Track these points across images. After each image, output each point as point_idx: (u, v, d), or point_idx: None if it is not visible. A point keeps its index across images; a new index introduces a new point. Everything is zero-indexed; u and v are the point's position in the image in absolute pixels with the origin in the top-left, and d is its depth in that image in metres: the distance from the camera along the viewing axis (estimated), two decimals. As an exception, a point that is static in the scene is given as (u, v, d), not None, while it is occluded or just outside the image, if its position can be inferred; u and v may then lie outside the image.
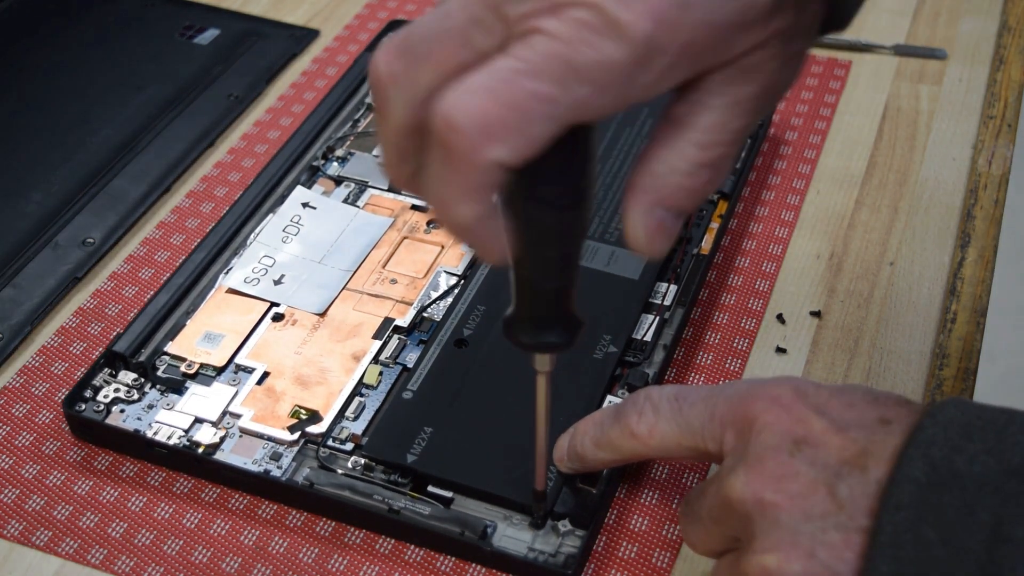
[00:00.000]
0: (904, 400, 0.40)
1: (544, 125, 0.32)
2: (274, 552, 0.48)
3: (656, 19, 0.32)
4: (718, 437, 0.42)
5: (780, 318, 0.58)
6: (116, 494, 0.50)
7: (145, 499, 0.50)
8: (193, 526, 0.49)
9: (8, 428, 0.53)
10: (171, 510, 0.50)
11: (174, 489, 0.51)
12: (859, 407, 0.39)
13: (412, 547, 0.48)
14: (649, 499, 0.50)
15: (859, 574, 0.36)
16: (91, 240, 0.62)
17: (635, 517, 0.49)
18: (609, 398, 0.52)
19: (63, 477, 0.51)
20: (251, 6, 0.81)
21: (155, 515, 0.50)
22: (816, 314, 0.58)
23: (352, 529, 0.49)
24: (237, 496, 0.50)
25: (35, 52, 0.75)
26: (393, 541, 0.48)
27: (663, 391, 0.44)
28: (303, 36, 0.78)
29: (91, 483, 0.51)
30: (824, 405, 0.40)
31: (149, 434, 0.51)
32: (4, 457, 0.52)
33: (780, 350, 0.56)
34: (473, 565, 0.47)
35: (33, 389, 0.55)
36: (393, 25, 0.74)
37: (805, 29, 0.36)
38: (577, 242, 0.37)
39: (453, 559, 0.48)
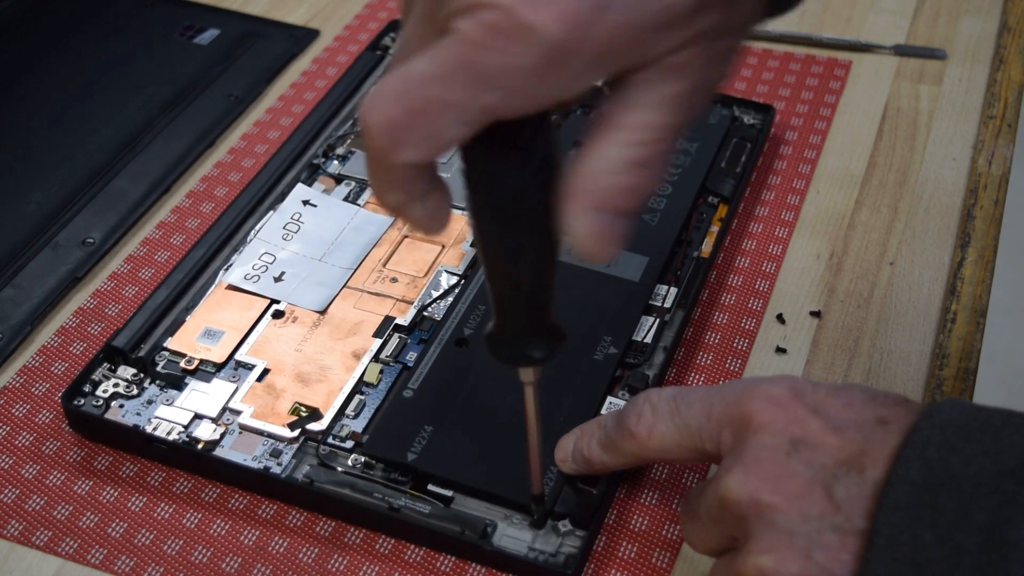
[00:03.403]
0: (902, 399, 0.40)
1: (453, 129, 0.33)
2: (274, 552, 0.48)
3: (569, 22, 0.31)
4: (715, 437, 0.42)
5: (780, 318, 0.58)
6: (116, 494, 0.50)
7: (145, 499, 0.50)
8: (193, 526, 0.49)
9: (8, 428, 0.53)
10: (171, 510, 0.50)
11: (174, 489, 0.51)
12: (857, 406, 0.39)
13: (412, 547, 0.48)
14: (649, 499, 0.50)
15: None
16: (91, 240, 0.62)
17: (635, 517, 0.49)
18: (609, 399, 0.52)
19: (63, 477, 0.51)
20: (251, 6, 0.81)
21: (155, 515, 0.50)
22: (816, 314, 0.58)
23: (352, 529, 0.49)
24: (237, 496, 0.50)
25: (35, 52, 0.75)
26: (393, 541, 0.48)
27: (663, 393, 0.44)
28: (303, 36, 0.78)
29: (91, 483, 0.51)
30: (821, 404, 0.40)
31: (148, 429, 0.51)
32: (4, 457, 0.52)
33: (780, 350, 0.56)
34: (473, 565, 0.47)
35: (33, 389, 0.55)
36: (393, 25, 0.74)
37: (735, 26, 0.35)
38: (541, 219, 0.36)
39: (453, 559, 0.48)
